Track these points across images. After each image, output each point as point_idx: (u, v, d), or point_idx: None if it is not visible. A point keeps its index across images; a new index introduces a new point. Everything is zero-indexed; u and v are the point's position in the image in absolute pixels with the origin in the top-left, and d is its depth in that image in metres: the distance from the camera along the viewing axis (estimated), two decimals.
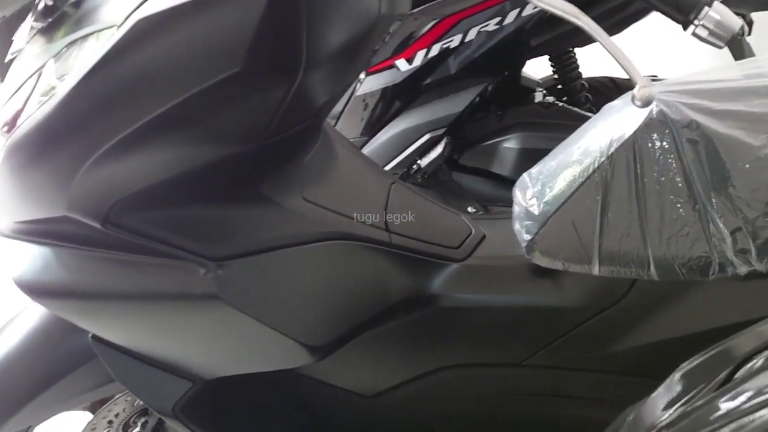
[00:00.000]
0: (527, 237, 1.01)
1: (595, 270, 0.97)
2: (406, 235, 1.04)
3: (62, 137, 0.83)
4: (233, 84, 0.79)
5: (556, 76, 1.77)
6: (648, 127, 0.93)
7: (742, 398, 0.53)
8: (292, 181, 0.96)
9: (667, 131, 0.92)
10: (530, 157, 1.62)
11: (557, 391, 1.06)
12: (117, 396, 1.23)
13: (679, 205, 0.92)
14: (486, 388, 1.07)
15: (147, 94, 0.79)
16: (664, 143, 0.92)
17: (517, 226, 1.04)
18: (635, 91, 0.79)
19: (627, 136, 0.94)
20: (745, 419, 0.50)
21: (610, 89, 1.86)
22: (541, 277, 1.04)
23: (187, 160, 0.85)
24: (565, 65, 1.73)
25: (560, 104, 1.69)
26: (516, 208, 1.05)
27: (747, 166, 0.89)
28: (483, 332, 1.05)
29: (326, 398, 1.11)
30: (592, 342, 1.01)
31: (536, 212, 1.00)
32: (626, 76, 1.92)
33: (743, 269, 0.90)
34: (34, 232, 0.92)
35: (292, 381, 1.07)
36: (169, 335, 0.98)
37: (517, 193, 1.07)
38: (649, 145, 0.93)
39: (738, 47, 1.58)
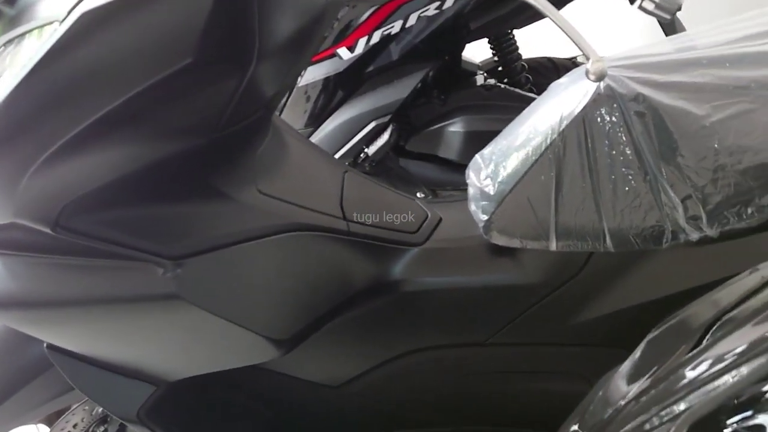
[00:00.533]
0: (484, 217, 1.02)
1: (553, 245, 0.98)
2: (363, 223, 1.04)
3: (4, 141, 0.79)
4: (186, 76, 0.77)
5: (496, 59, 1.79)
6: (596, 102, 0.95)
7: (705, 366, 0.55)
8: (245, 175, 0.94)
9: (615, 105, 0.94)
10: (476, 140, 1.64)
11: (524, 367, 1.08)
12: (75, 406, 1.19)
13: (630, 177, 0.94)
14: (452, 369, 1.08)
15: (95, 90, 0.76)
16: (613, 117, 0.94)
17: (473, 207, 1.04)
18: (589, 65, 0.81)
19: (576, 112, 0.96)
20: (708, 386, 0.51)
21: (548, 69, 1.89)
22: (499, 256, 1.05)
23: (138, 157, 0.82)
24: (505, 47, 1.75)
25: (502, 86, 1.71)
26: (471, 190, 1.06)
27: (693, 135, 0.91)
28: (446, 314, 1.06)
29: (292, 392, 1.10)
30: (554, 316, 1.03)
31: (492, 192, 1.01)
32: (563, 56, 1.96)
33: (695, 235, 0.93)
34: None
35: (257, 377, 1.06)
36: (130, 339, 0.95)
37: (471, 175, 1.08)
38: (599, 120, 0.95)
39: (670, 23, 1.63)
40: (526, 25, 1.71)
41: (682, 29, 1.73)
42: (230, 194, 0.92)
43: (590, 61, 0.79)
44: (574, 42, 0.80)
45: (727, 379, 0.50)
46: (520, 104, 1.67)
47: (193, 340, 0.95)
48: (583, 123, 0.95)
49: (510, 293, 1.04)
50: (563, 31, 0.80)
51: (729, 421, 0.44)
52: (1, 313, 0.94)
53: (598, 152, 0.95)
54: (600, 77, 0.81)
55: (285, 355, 0.97)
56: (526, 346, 1.05)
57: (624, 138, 0.94)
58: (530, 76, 1.78)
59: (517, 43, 1.77)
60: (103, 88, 0.76)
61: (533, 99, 1.61)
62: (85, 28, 0.72)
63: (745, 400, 0.45)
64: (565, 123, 0.97)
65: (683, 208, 0.92)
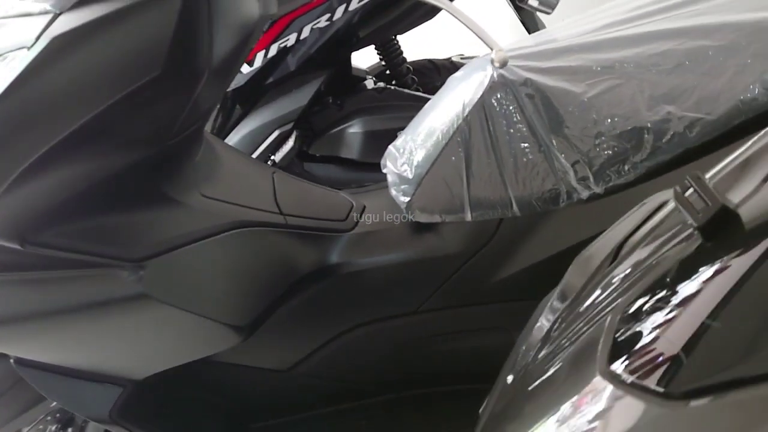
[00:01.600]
0: (405, 199, 1.15)
1: (468, 216, 1.13)
2: (298, 215, 1.14)
3: None
4: (153, 88, 0.84)
5: (383, 64, 1.93)
6: (492, 89, 1.11)
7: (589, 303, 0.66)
8: (189, 180, 1.03)
9: (508, 90, 1.10)
10: (374, 139, 1.77)
11: (453, 328, 1.21)
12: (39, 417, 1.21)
13: (527, 150, 1.10)
14: (389, 339, 1.20)
15: (67, 109, 0.82)
16: (507, 101, 1.10)
17: (393, 191, 1.17)
18: (493, 55, 0.95)
19: (476, 99, 1.11)
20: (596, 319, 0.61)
21: (430, 70, 2.05)
22: (420, 233, 1.18)
23: (99, 170, 0.89)
24: (390, 52, 1.89)
25: (392, 88, 1.85)
26: (390, 177, 1.19)
27: (575, 110, 1.08)
28: (378, 290, 1.18)
29: (246, 381, 1.18)
30: (474, 279, 1.17)
31: (410, 176, 1.15)
32: (442, 57, 2.12)
33: (585, 194, 1.10)
34: None
35: (214, 371, 1.13)
36: (100, 343, 1.00)
37: (388, 164, 1.21)
38: (495, 104, 1.10)
39: (531, 20, 1.84)
40: (409, 30, 1.86)
41: (543, 26, 1.95)
42: (179, 199, 1.00)
43: (494, 51, 0.93)
44: (476, 35, 0.94)
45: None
46: (410, 103, 1.83)
47: (160, 335, 1.02)
48: (483, 108, 1.10)
49: (433, 264, 1.18)
50: (466, 25, 0.93)
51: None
52: None
53: (498, 132, 1.11)
54: (503, 64, 0.96)
55: (244, 341, 1.06)
56: (452, 309, 1.19)
57: (518, 117, 1.10)
58: (415, 78, 1.93)
59: (401, 48, 1.92)
60: (74, 106, 0.82)
61: (421, 97, 1.77)
62: (56, 52, 0.78)
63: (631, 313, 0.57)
64: (467, 109, 1.11)
65: (573, 171, 1.09)
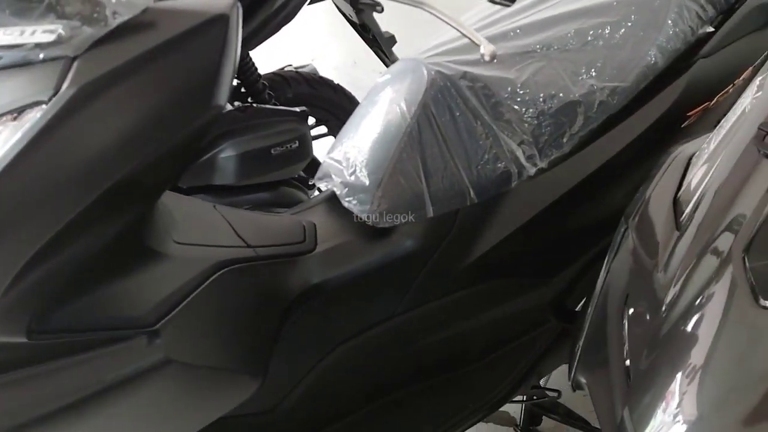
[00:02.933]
0: (364, 206, 1.15)
1: (430, 212, 1.16)
2: (264, 245, 1.09)
3: None
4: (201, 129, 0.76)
5: (238, 82, 1.87)
6: (433, 86, 1.15)
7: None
8: (161, 229, 0.94)
9: (448, 85, 1.15)
10: (248, 160, 1.72)
11: (431, 323, 1.23)
12: None
13: (476, 138, 1.16)
14: (378, 347, 1.19)
15: (99, 167, 0.70)
16: (449, 95, 1.15)
17: (347, 202, 1.16)
18: (482, 50, 0.98)
19: (419, 98, 1.15)
20: None
21: (279, 83, 2.02)
22: (381, 238, 1.19)
23: (102, 235, 0.79)
24: (245, 70, 1.83)
25: (254, 105, 1.80)
26: (338, 189, 1.18)
27: (512, 94, 1.16)
28: (354, 303, 1.17)
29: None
30: (443, 270, 1.20)
31: (366, 183, 1.15)
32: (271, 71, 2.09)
33: (533, 170, 1.18)
34: None
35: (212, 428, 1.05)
36: (121, 425, 0.88)
37: (333, 177, 1.20)
38: (439, 99, 1.15)
39: (371, 21, 1.90)
40: (259, 45, 1.82)
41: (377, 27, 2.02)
42: (160, 250, 0.91)
43: (482, 46, 0.97)
44: (463, 34, 0.97)
45: None
46: (276, 118, 1.80)
47: (186, 399, 0.92)
48: (428, 106, 1.14)
49: (400, 265, 1.19)
50: (452, 26, 0.95)
51: None
52: None
53: (446, 126, 1.15)
54: (493, 57, 1.00)
55: (261, 386, 0.99)
56: (429, 304, 1.21)
57: (462, 108, 1.15)
58: (272, 92, 1.90)
59: (255, 65, 1.87)
60: (111, 162, 0.71)
61: (285, 111, 1.75)
62: (87, 99, 0.67)
63: None
64: (413, 109, 1.15)
65: (521, 151, 1.17)
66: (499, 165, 1.16)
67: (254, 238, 1.08)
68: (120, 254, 0.85)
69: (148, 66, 0.69)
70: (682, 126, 1.26)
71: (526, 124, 1.16)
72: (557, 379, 1.65)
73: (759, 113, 0.76)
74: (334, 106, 2.05)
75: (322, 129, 2.09)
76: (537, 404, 1.60)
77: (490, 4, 1.25)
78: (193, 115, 0.75)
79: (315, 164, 1.99)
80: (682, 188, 0.81)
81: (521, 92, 1.16)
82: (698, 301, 0.66)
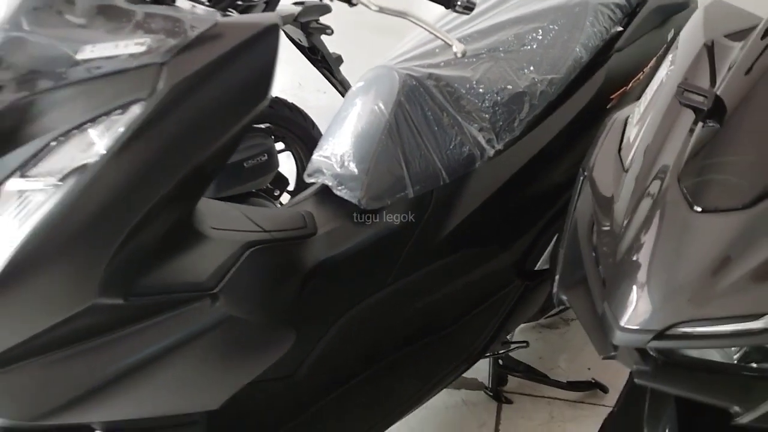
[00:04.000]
0: (356, 193, 1.35)
1: (411, 193, 1.37)
2: (276, 230, 1.27)
3: (91, 223, 0.85)
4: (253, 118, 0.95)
5: None
6: (405, 87, 1.37)
7: None
8: (202, 217, 1.11)
9: (417, 85, 1.37)
10: (226, 172, 1.88)
11: (421, 290, 1.42)
12: None
13: (444, 128, 1.38)
14: (373, 316, 1.37)
15: (187, 148, 0.88)
16: (419, 94, 1.37)
17: (340, 191, 1.36)
18: (455, 49, 1.19)
19: (394, 98, 1.36)
20: None
21: None
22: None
23: (183, 208, 0.96)
24: None
25: None
26: (330, 181, 1.38)
27: (470, 89, 1.40)
28: (353, 277, 1.35)
29: (264, 394, 1.27)
30: (426, 242, 1.40)
31: (356, 173, 1.35)
32: None
33: (492, 152, 1.41)
34: (53, 341, 0.89)
35: (248, 390, 1.21)
36: (187, 379, 1.03)
37: (325, 171, 1.40)
38: (411, 97, 1.36)
39: (320, 43, 2.12)
40: None
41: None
42: (205, 234, 1.09)
43: (454, 45, 1.18)
44: (435, 35, 1.18)
45: None
46: (248, 133, 1.96)
47: (239, 353, 1.09)
48: (402, 103, 1.36)
49: (388, 242, 1.39)
50: (428, 30, 1.16)
51: None
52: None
53: (418, 119, 1.37)
54: (464, 54, 1.22)
55: (294, 344, 1.17)
56: (414, 274, 1.41)
57: (430, 104, 1.37)
58: None
59: None
60: (195, 143, 0.89)
61: (253, 127, 1.91)
62: (179, 95, 0.85)
63: None
64: (390, 107, 1.36)
65: (482, 136, 1.40)
66: (465, 149, 1.39)
67: (267, 225, 1.26)
68: (180, 234, 1.02)
69: (221, 68, 0.88)
70: (607, 107, 1.53)
71: (484, 113, 1.40)
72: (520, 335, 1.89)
73: (675, 79, 1.01)
74: (291, 123, 2.24)
75: (281, 144, 2.27)
76: (501, 365, 1.83)
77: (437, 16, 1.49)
78: (252, 106, 0.94)
79: (279, 177, 2.18)
80: (623, 142, 1.06)
81: (477, 87, 1.40)
82: (647, 213, 0.89)
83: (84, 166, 0.84)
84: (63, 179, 0.84)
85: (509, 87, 1.41)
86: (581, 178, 1.08)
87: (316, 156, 1.43)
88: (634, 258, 0.88)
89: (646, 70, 1.59)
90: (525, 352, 1.84)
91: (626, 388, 1.16)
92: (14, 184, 0.84)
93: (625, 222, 0.92)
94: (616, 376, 1.93)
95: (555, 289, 1.05)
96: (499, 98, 1.40)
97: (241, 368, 1.11)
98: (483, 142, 1.40)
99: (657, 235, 0.88)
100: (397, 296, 1.40)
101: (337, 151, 1.38)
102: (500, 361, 1.81)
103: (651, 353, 0.91)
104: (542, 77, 1.43)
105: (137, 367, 0.98)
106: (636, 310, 0.85)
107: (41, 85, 0.85)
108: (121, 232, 0.88)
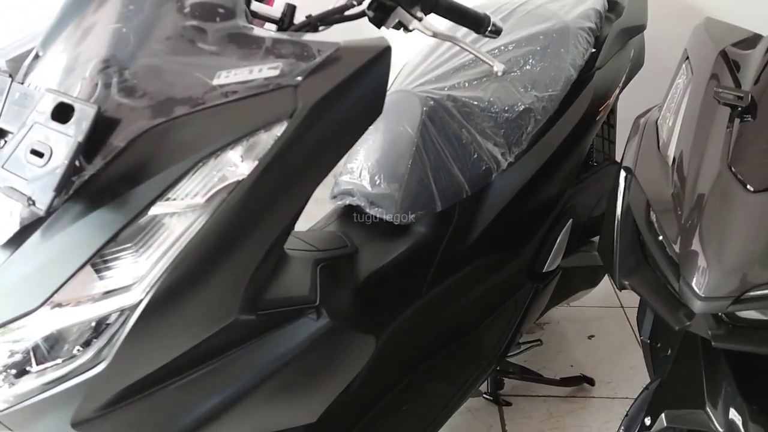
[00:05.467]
0: (390, 210, 1.44)
1: (438, 207, 1.47)
2: (328, 249, 1.33)
3: (237, 241, 0.87)
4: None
5: None
6: (428, 109, 1.47)
7: None
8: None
9: (438, 106, 1.48)
10: None
11: (450, 297, 1.50)
12: None
13: (464, 144, 1.49)
14: (413, 325, 1.43)
15: (322, 158, 0.93)
16: (440, 114, 1.48)
17: (373, 210, 1.44)
18: (495, 68, 1.29)
19: (419, 120, 1.47)
20: None
21: None
22: (401, 236, 1.47)
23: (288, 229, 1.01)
24: None
25: None
26: (361, 201, 1.46)
27: (484, 108, 1.52)
28: (393, 290, 1.42)
29: None
30: (452, 253, 1.49)
31: (389, 191, 1.44)
32: None
33: (505, 164, 1.54)
34: (188, 362, 0.90)
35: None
36: (295, 391, 1.06)
37: (355, 193, 1.47)
38: (434, 118, 1.47)
39: None
40: None
41: None
42: (287, 252, 1.14)
43: (495, 65, 1.29)
44: (479, 57, 1.28)
45: None
46: None
47: (339, 361, 1.13)
48: (428, 124, 1.46)
49: (420, 255, 1.48)
50: (466, 49, 1.26)
51: None
52: None
53: (441, 138, 1.48)
54: (504, 72, 1.33)
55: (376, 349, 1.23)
56: (444, 283, 1.50)
57: (450, 123, 1.48)
58: None
59: None
60: (328, 155, 0.94)
61: None
62: (317, 113, 0.90)
63: None
64: (416, 128, 1.46)
65: (497, 150, 1.52)
66: (482, 163, 1.50)
67: (318, 245, 1.32)
68: (278, 252, 1.06)
69: (347, 88, 0.94)
70: (596, 119, 1.69)
71: (497, 129, 1.52)
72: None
73: (700, 84, 1.17)
74: None
75: None
76: (498, 370, 1.94)
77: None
78: (369, 122, 1.01)
79: None
80: (660, 141, 1.21)
81: (490, 106, 1.52)
82: (707, 197, 1.03)
83: (229, 187, 0.88)
84: (209, 200, 0.88)
85: (517, 105, 1.54)
86: (624, 176, 1.22)
87: (344, 179, 1.49)
88: (703, 236, 1.01)
89: (621, 84, 1.78)
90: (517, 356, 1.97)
91: (673, 355, 1.28)
92: (161, 207, 0.87)
93: (687, 207, 1.06)
94: (597, 369, 2.09)
95: (617, 277, 1.17)
96: (508, 115, 1.53)
97: (337, 378, 1.15)
98: (498, 155, 1.52)
99: (720, 214, 1.02)
100: (430, 306, 1.48)
101: (368, 173, 1.46)
102: (497, 367, 1.92)
103: (724, 319, 1.04)
104: (542, 94, 1.57)
105: (256, 383, 1.01)
106: (713, 280, 0.98)
107: (178, 110, 0.88)
108: (262, 249, 0.92)
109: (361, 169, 1.47)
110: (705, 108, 1.14)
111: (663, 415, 1.20)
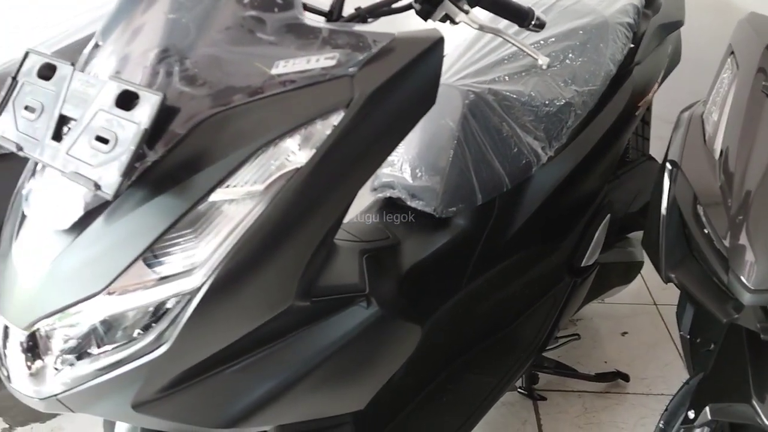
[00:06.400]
0: (432, 203, 1.45)
1: (479, 200, 1.48)
2: (372, 240, 1.34)
3: (296, 227, 0.89)
4: None
5: None
6: (468, 103, 1.48)
7: None
8: None
9: (476, 99, 1.48)
10: None
11: (489, 291, 1.51)
12: None
13: (504, 138, 1.50)
14: (453, 318, 1.45)
15: (378, 146, 0.95)
16: (481, 108, 1.49)
17: (415, 203, 1.45)
18: (540, 62, 1.30)
19: (460, 113, 1.47)
20: None
21: None
22: (442, 229, 1.48)
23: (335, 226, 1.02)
24: None
25: None
26: (403, 194, 1.47)
27: (524, 102, 1.52)
28: (434, 282, 1.43)
29: None
30: (491, 246, 1.50)
31: (430, 184, 1.45)
32: None
33: (545, 158, 1.54)
34: (245, 346, 0.92)
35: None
36: (346, 377, 1.08)
37: (395, 185, 1.48)
38: (475, 111, 1.48)
39: None
40: None
41: None
42: (336, 243, 1.16)
43: (540, 59, 1.29)
44: (523, 50, 1.29)
45: None
46: None
47: (387, 349, 1.15)
48: (469, 117, 1.47)
49: (460, 248, 1.49)
50: (512, 42, 1.27)
51: None
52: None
53: (482, 131, 1.48)
54: (549, 66, 1.33)
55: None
56: (483, 276, 1.51)
57: (491, 116, 1.49)
58: None
59: None
60: (384, 144, 0.96)
61: None
62: (373, 103, 0.91)
63: None
64: (457, 121, 1.47)
65: (537, 144, 1.53)
66: (522, 157, 1.51)
67: (362, 237, 1.33)
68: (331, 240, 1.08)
69: (402, 78, 0.95)
70: (635, 115, 1.69)
71: (538, 123, 1.52)
72: None
73: (747, 77, 1.17)
74: None
75: None
76: (533, 364, 1.94)
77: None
78: (422, 113, 1.02)
79: None
80: (706, 135, 1.21)
81: (530, 100, 1.53)
82: (756, 189, 1.03)
83: (287, 174, 0.90)
84: (268, 188, 0.89)
85: (557, 99, 1.54)
86: (669, 170, 1.22)
87: (385, 171, 1.51)
88: (752, 229, 1.01)
89: (659, 81, 1.77)
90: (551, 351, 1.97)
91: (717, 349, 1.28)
92: (221, 194, 0.88)
93: (735, 200, 1.06)
94: (631, 365, 2.09)
95: (662, 270, 1.17)
96: (549, 109, 1.53)
97: (385, 366, 1.17)
98: (538, 149, 1.52)
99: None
100: (470, 298, 1.49)
101: (409, 166, 1.47)
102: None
103: None
104: (582, 89, 1.58)
105: (308, 369, 1.03)
106: (763, 272, 0.98)
107: (237, 99, 0.90)
108: (318, 236, 0.94)
109: (402, 162, 1.48)
110: (752, 101, 1.14)
111: (707, 408, 1.20)
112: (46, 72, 0.92)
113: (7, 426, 2.08)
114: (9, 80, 0.95)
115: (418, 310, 1.37)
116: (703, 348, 1.39)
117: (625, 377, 2.01)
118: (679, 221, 1.17)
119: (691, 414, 1.22)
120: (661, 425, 1.31)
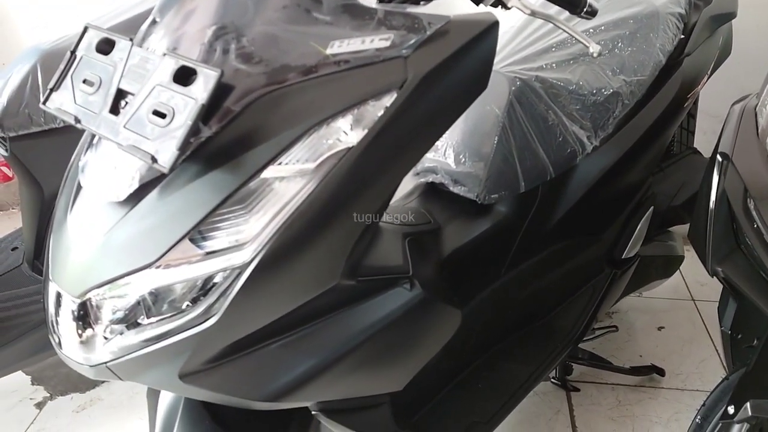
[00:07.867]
0: (475, 189, 1.44)
1: (522, 188, 1.47)
2: (415, 224, 1.35)
3: (346, 206, 0.90)
4: None
5: None
6: (516, 90, 1.47)
7: None
8: None
9: (525, 87, 1.47)
10: None
11: (528, 279, 1.51)
12: None
13: (550, 126, 1.49)
14: (491, 305, 1.45)
15: (432, 127, 0.96)
16: (527, 95, 1.48)
17: (458, 189, 1.45)
18: (591, 49, 1.29)
19: (506, 99, 1.47)
20: None
21: None
22: (484, 216, 1.48)
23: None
24: None
25: None
26: (446, 179, 1.47)
27: (570, 91, 1.51)
28: (474, 268, 1.44)
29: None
30: (532, 235, 1.49)
31: (473, 170, 1.45)
32: None
33: (590, 147, 1.53)
34: (290, 322, 0.94)
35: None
36: (386, 359, 1.09)
37: (438, 170, 1.48)
38: (522, 98, 1.47)
39: None
40: None
41: None
42: (381, 225, 1.16)
43: (591, 45, 1.28)
44: (575, 37, 1.28)
45: None
46: None
47: (428, 332, 1.15)
48: (515, 104, 1.46)
49: (501, 235, 1.49)
50: (565, 30, 1.26)
51: None
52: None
53: (528, 118, 1.47)
54: (600, 54, 1.32)
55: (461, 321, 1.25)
56: (523, 264, 1.51)
57: (538, 104, 1.48)
58: None
59: None
60: (436, 124, 0.96)
61: None
62: (426, 84, 0.91)
63: None
64: (503, 108, 1.46)
65: (582, 133, 1.51)
66: (567, 146, 1.50)
67: (403, 220, 1.34)
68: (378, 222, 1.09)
69: (456, 61, 0.95)
70: (683, 106, 1.67)
71: (585, 112, 1.51)
72: None
73: None
74: None
75: None
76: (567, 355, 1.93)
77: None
78: (474, 96, 1.02)
79: None
80: (760, 126, 1.19)
81: (577, 89, 1.51)
82: None
83: (338, 154, 0.90)
84: (319, 167, 0.90)
85: (604, 88, 1.53)
86: (720, 162, 1.20)
87: (428, 156, 1.51)
88: None
89: (708, 73, 1.74)
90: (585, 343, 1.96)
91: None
92: (273, 171, 0.89)
93: None
94: (666, 360, 2.07)
95: (709, 264, 1.16)
96: (596, 98, 1.52)
97: (425, 348, 1.17)
98: (584, 138, 1.51)
99: None
100: (509, 285, 1.49)
101: (453, 152, 1.47)
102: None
103: None
104: (630, 79, 1.56)
105: (350, 348, 1.04)
106: None
107: (292, 77, 0.90)
108: (367, 216, 0.94)
109: (446, 148, 1.48)
110: None
111: (748, 404, 1.19)
112: (105, 47, 0.94)
113: (48, 395, 2.13)
114: (68, 54, 0.97)
115: (459, 295, 1.38)
116: (744, 344, 1.38)
117: (661, 372, 2.00)
118: (728, 215, 1.16)
119: (731, 409, 1.20)
120: (698, 420, 1.30)
